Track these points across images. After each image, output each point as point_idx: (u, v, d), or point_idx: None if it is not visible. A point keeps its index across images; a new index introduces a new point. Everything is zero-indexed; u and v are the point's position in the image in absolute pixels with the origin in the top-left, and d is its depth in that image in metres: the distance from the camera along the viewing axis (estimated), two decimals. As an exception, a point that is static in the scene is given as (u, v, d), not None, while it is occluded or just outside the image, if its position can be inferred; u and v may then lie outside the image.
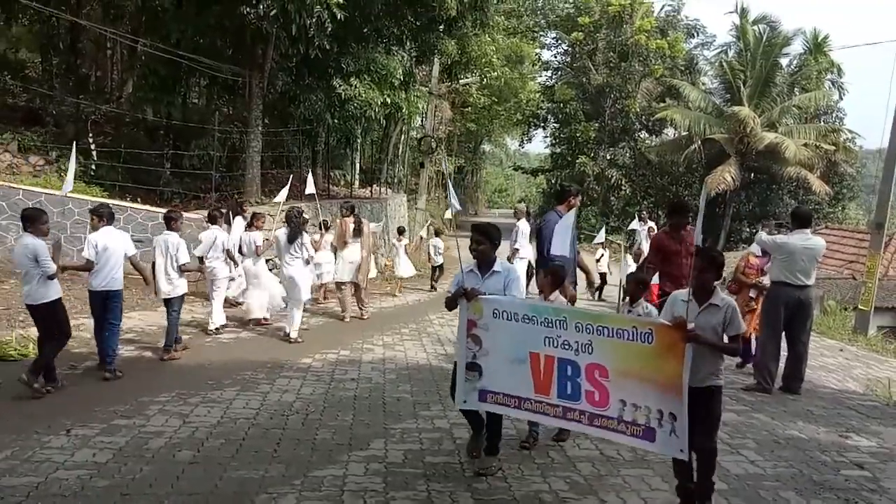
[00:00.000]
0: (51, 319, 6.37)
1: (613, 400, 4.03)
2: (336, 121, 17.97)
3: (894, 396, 7.87)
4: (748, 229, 31.06)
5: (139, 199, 13.84)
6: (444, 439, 5.56)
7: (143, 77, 17.51)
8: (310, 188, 12.20)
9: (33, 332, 7.94)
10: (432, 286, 15.61)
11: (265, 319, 10.17)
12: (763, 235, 7.85)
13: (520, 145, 56.39)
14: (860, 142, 33.19)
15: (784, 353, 7.61)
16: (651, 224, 15.21)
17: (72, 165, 8.98)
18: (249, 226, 10.18)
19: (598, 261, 16.11)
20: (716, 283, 4.17)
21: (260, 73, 16.04)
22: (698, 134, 30.47)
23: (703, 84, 35.93)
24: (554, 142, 41.49)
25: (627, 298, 5.49)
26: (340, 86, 16.61)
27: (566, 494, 4.58)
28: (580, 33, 35.62)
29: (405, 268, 14.94)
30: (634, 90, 35.05)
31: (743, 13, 32.23)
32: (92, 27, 17.73)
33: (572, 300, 6.01)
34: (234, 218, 10.83)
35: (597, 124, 35.84)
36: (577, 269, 7.09)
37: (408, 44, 19.28)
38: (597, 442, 5.44)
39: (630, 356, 3.95)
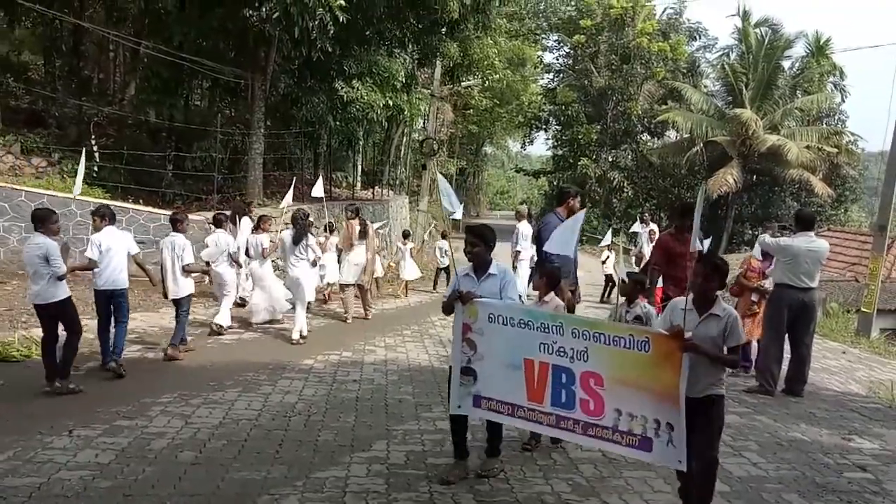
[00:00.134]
0: (61, 318, 6.44)
1: (608, 409, 3.95)
2: (338, 123, 17.98)
3: (897, 399, 7.86)
4: (750, 231, 31.07)
5: (141, 201, 13.85)
6: (446, 441, 5.54)
7: (145, 79, 17.55)
8: (318, 191, 12.23)
9: (36, 332, 7.98)
10: (434, 288, 15.63)
11: (271, 321, 10.23)
12: (766, 238, 7.83)
13: (522, 147, 56.52)
14: (862, 144, 33.28)
15: (787, 355, 7.60)
16: (652, 226, 15.17)
17: (81, 170, 9.02)
18: (256, 228, 10.20)
19: (603, 263, 16.10)
20: (718, 292, 4.02)
21: (262, 76, 16.07)
22: (700, 136, 30.48)
23: (705, 87, 35.97)
24: (556, 144, 41.54)
25: (624, 299, 5.44)
26: (342, 88, 16.63)
27: (568, 496, 4.57)
28: (582, 36, 35.66)
29: (410, 270, 14.96)
30: (636, 93, 35.07)
31: (745, 16, 32.24)
32: (95, 29, 17.77)
33: (569, 305, 5.99)
34: (240, 219, 10.83)
35: (599, 126, 35.87)
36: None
37: (410, 46, 19.30)
38: (599, 444, 5.42)
39: (626, 364, 3.87)
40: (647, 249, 13.59)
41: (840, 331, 13.48)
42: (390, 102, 17.53)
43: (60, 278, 6.33)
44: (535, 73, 42.02)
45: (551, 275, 5.30)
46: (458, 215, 5.40)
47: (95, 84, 20.98)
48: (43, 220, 6.36)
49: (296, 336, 9.16)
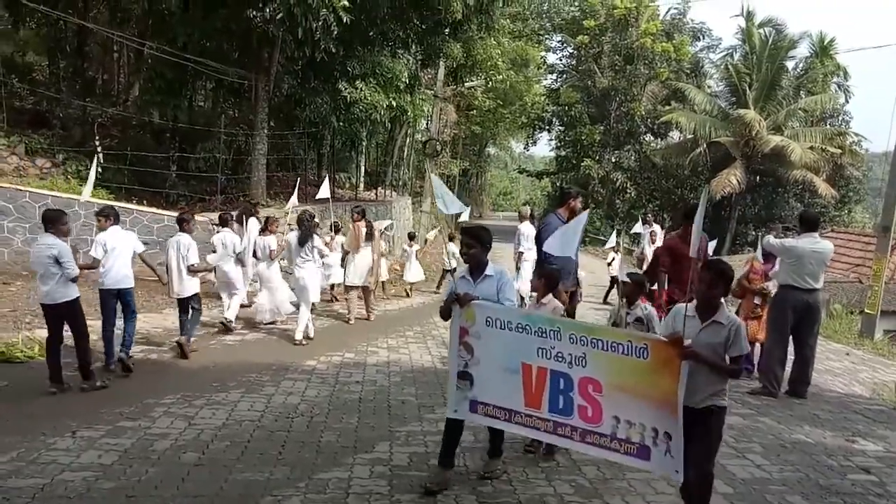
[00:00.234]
0: (70, 318, 6.50)
1: (607, 416, 3.90)
2: (341, 123, 18.00)
3: (901, 401, 7.84)
4: (754, 232, 31.01)
5: (145, 202, 13.89)
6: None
7: (149, 80, 17.60)
8: (324, 192, 12.28)
9: (39, 334, 8.02)
10: (438, 289, 15.65)
11: (276, 321, 10.28)
12: (770, 239, 7.80)
13: (525, 148, 56.53)
14: (866, 145, 33.14)
15: (790, 356, 7.58)
16: (654, 227, 15.15)
17: (92, 175, 9.05)
18: (263, 230, 10.21)
19: (609, 264, 16.08)
20: (722, 299, 3.91)
21: (266, 77, 16.09)
22: (704, 137, 30.42)
23: (709, 87, 35.90)
24: (559, 145, 41.52)
25: (625, 300, 5.36)
26: (346, 89, 16.66)
27: (571, 498, 4.57)
28: (585, 36, 35.63)
29: (414, 272, 14.98)
30: (640, 93, 35.03)
31: (749, 16, 32.18)
32: (99, 30, 17.79)
33: (569, 309, 5.97)
34: (247, 220, 10.87)
35: (602, 127, 35.83)
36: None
37: (413, 47, 19.32)
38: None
39: (624, 371, 3.82)
40: (649, 250, 13.57)
41: (844, 332, 13.44)
42: (393, 103, 17.55)
43: (74, 280, 6.41)
44: (539, 74, 42.02)
45: (550, 276, 5.26)
46: (466, 216, 5.39)
47: (99, 85, 21.03)
48: (54, 220, 6.42)
49: (299, 336, 9.18)
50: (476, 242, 4.66)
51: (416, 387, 7.36)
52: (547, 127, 43.06)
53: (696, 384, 3.68)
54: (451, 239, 15.97)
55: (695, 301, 3.90)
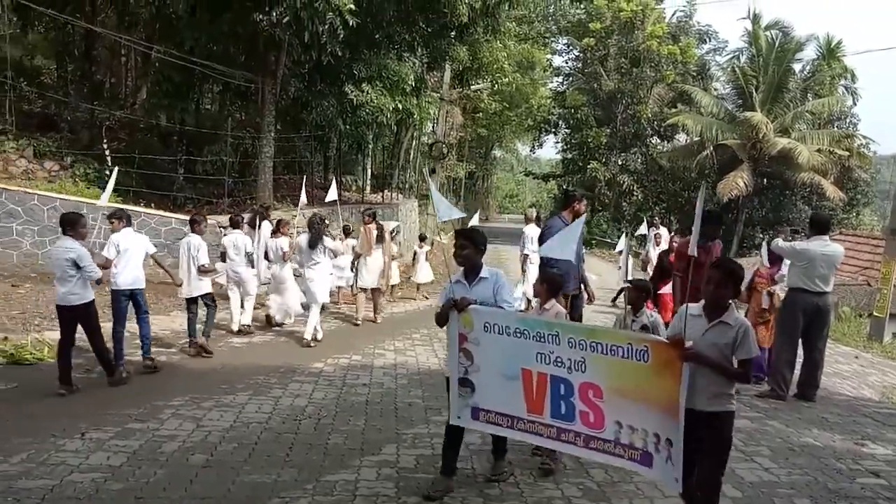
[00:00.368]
0: (85, 319, 6.60)
1: (609, 421, 3.82)
2: (348, 126, 18.04)
3: (910, 404, 7.80)
4: (761, 235, 30.88)
5: (153, 205, 13.94)
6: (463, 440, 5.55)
7: (156, 83, 17.68)
8: (332, 195, 12.38)
9: (49, 336, 8.08)
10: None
11: (283, 323, 10.38)
12: (780, 242, 7.76)
13: (531, 151, 56.64)
14: (874, 147, 33.00)
15: (798, 359, 7.55)
16: (661, 230, 15.10)
17: (111, 183, 9.08)
18: (275, 232, 10.30)
19: (621, 268, 16.00)
20: (731, 300, 3.77)
21: (272, 80, 16.14)
22: (710, 139, 30.33)
23: (715, 90, 35.78)
24: (565, 147, 41.46)
25: (629, 307, 5.16)
26: (352, 92, 16.69)
27: (579, 501, 4.56)
28: (592, 39, 35.60)
29: (424, 274, 14.99)
30: (646, 96, 34.97)
31: (755, 19, 32.08)
32: (107, 34, 17.91)
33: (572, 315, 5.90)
34: (260, 223, 10.95)
35: (608, 130, 35.78)
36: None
37: (419, 50, 19.35)
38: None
39: (625, 375, 3.72)
40: (654, 253, 13.55)
41: (852, 335, 13.40)
42: (400, 106, 17.57)
43: (98, 281, 6.61)
44: (545, 77, 41.99)
45: (552, 281, 5.16)
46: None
47: (107, 88, 21.14)
48: (73, 224, 6.53)
49: (308, 336, 9.25)
50: (469, 243, 4.55)
51: (423, 389, 7.36)
52: (553, 129, 43.02)
53: (699, 387, 3.57)
54: None
55: (702, 301, 3.80)
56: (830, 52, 32.83)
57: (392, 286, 13.52)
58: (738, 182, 28.72)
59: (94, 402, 6.31)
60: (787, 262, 7.94)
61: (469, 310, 4.27)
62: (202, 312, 8.70)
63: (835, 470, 5.30)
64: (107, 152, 15.74)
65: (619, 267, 15.83)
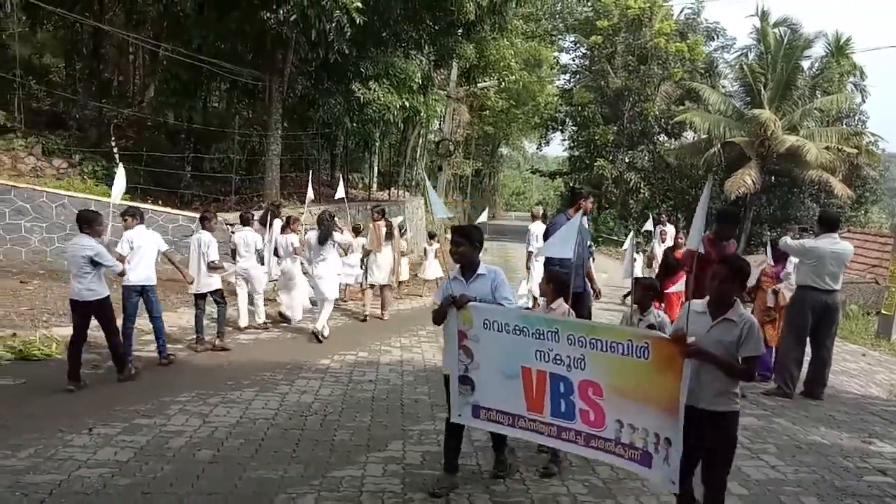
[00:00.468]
0: (101, 315, 6.71)
1: (609, 420, 3.75)
2: (355, 124, 18.06)
3: (919, 402, 7.76)
4: (769, 233, 30.75)
5: (160, 202, 13.99)
6: (463, 439, 5.54)
7: (164, 81, 17.75)
8: (340, 193, 12.51)
9: (56, 332, 8.13)
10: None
11: (290, 319, 10.44)
12: (788, 240, 7.71)
13: (538, 148, 56.39)
14: (883, 145, 32.81)
15: (806, 357, 7.51)
16: (667, 228, 15.03)
17: (121, 180, 9.07)
18: (284, 227, 10.42)
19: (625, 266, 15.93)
20: (736, 297, 3.69)
21: (280, 78, 16.17)
22: (718, 137, 30.24)
23: (723, 87, 35.64)
24: (572, 145, 41.43)
25: (636, 306, 5.05)
26: (359, 89, 16.70)
27: (584, 498, 4.56)
28: (599, 37, 35.52)
29: (432, 270, 15.01)
30: (653, 93, 34.87)
31: (764, 16, 31.94)
32: (115, 32, 17.98)
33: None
34: (272, 221, 11.03)
35: (615, 127, 35.71)
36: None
37: (426, 48, 19.33)
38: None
39: (625, 372, 3.65)
40: (659, 249, 13.50)
41: (860, 333, 13.32)
42: (406, 104, 17.57)
43: (122, 273, 6.87)
44: (552, 74, 41.95)
45: (558, 279, 5.06)
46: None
47: (115, 86, 21.25)
48: (90, 221, 6.64)
49: (319, 327, 9.37)
50: (465, 240, 4.50)
51: (429, 386, 7.37)
52: (560, 127, 42.98)
53: (702, 384, 3.50)
54: None
55: (707, 297, 3.73)
56: (839, 49, 32.66)
57: (400, 282, 13.55)
58: (745, 179, 28.62)
59: (102, 397, 6.34)
60: (792, 260, 7.91)
61: (468, 307, 4.23)
62: (210, 309, 8.75)
63: (842, 468, 5.28)
64: (115, 150, 15.79)
65: (626, 268, 15.77)
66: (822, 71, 32.37)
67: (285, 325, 10.28)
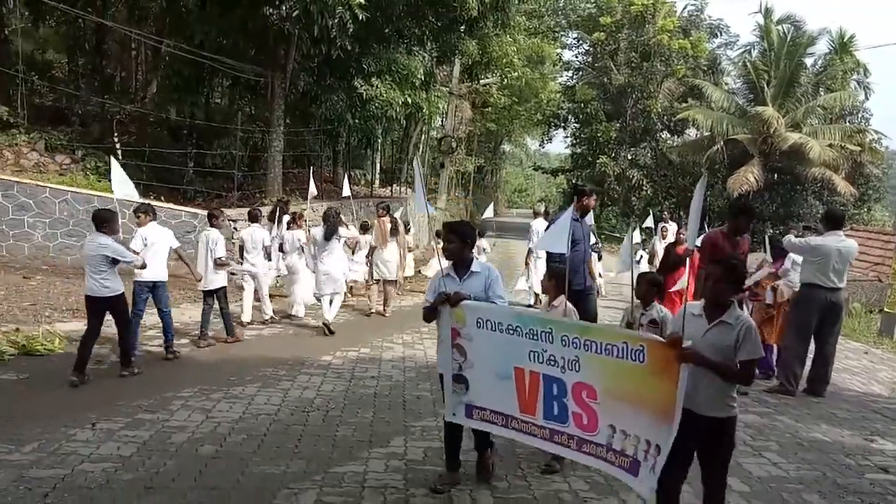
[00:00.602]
0: (116, 310, 6.81)
1: (602, 424, 3.64)
2: (357, 121, 18.04)
3: (921, 400, 7.75)
4: (771, 230, 30.72)
5: (162, 198, 14.00)
6: (463, 437, 5.55)
7: (167, 77, 17.75)
8: (346, 191, 12.60)
9: (59, 327, 8.16)
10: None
11: (291, 316, 10.53)
12: (792, 238, 7.68)
13: (540, 145, 56.31)
14: (886, 142, 32.73)
15: (809, 355, 7.51)
16: (668, 224, 14.98)
17: (119, 174, 9.08)
18: (291, 224, 10.51)
19: (637, 262, 15.92)
20: (732, 298, 3.58)
21: (282, 74, 16.16)
22: (721, 134, 30.17)
23: (726, 84, 35.57)
24: (574, 142, 41.36)
25: (639, 301, 4.99)
26: (361, 86, 16.69)
27: (586, 494, 4.56)
28: (602, 33, 35.46)
29: (436, 268, 15.01)
30: (656, 90, 34.81)
31: (767, 13, 31.86)
32: (117, 28, 17.98)
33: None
34: (281, 216, 11.08)
35: (618, 124, 35.65)
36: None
37: (429, 44, 19.32)
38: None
39: (620, 375, 3.54)
40: (660, 246, 13.48)
41: (862, 331, 13.31)
42: (409, 100, 17.55)
43: (143, 266, 7.02)
44: (554, 71, 41.86)
45: (560, 276, 4.95)
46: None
47: (118, 82, 21.26)
48: (108, 221, 6.76)
49: (330, 317, 9.53)
50: (455, 237, 4.45)
51: (431, 382, 7.36)
52: (562, 124, 42.90)
53: (698, 390, 3.39)
54: (480, 235, 15.94)
55: (703, 299, 3.63)
56: (843, 46, 32.55)
57: (405, 278, 13.58)
58: (748, 177, 28.56)
59: (105, 392, 6.35)
60: (791, 256, 7.87)
61: (461, 305, 4.17)
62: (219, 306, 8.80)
63: (844, 465, 5.28)
64: (117, 145, 15.83)
65: (637, 261, 15.74)
66: (825, 68, 32.28)
67: (288, 320, 10.31)
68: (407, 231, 13.51)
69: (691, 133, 36.11)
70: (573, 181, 38.85)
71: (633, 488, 3.65)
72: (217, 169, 17.68)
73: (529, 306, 12.15)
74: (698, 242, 7.66)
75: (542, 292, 5.95)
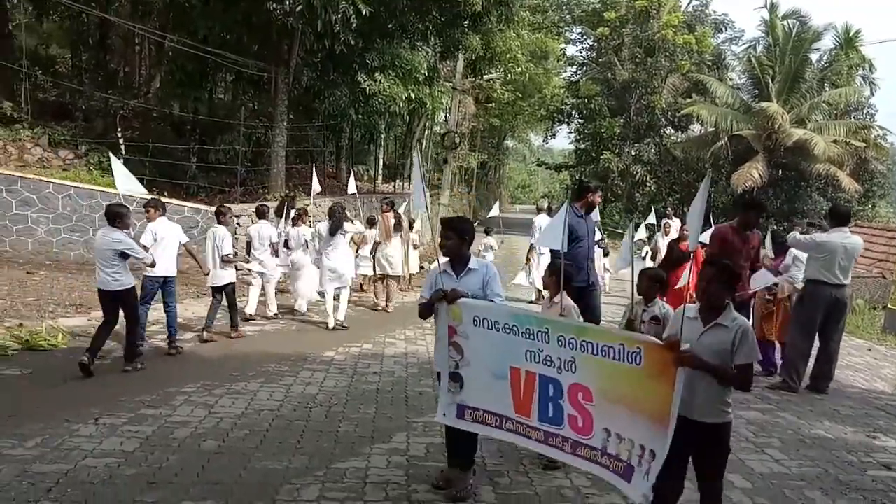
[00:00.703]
0: (126, 304, 6.87)
1: (597, 428, 3.59)
2: (360, 116, 18.05)
3: (924, 397, 7.74)
4: (776, 227, 30.63)
5: (166, 193, 13.99)
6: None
7: (170, 72, 17.76)
8: (352, 188, 12.68)
9: (63, 322, 8.19)
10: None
11: (293, 311, 10.56)
12: (797, 235, 7.65)
13: (543, 141, 56.13)
14: (891, 139, 32.59)
15: (813, 351, 7.49)
16: (671, 221, 14.94)
17: (120, 171, 9.05)
18: (297, 220, 10.53)
19: (643, 258, 15.89)
20: (728, 299, 3.52)
21: (285, 69, 16.16)
22: (725, 130, 30.08)
23: (731, 80, 35.46)
24: (578, 137, 41.26)
25: (641, 297, 4.95)
26: (365, 81, 16.67)
27: (588, 490, 4.57)
28: (606, 28, 35.36)
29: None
30: (660, 86, 34.69)
31: (772, 8, 31.74)
32: (121, 23, 17.98)
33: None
34: (288, 212, 11.10)
35: (622, 120, 35.56)
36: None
37: (432, 39, 19.28)
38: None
39: (616, 378, 3.48)
40: (662, 242, 13.46)
41: (866, 328, 13.29)
42: (412, 95, 17.53)
43: (153, 265, 7.06)
44: (558, 67, 41.80)
45: (560, 272, 4.85)
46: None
47: (121, 77, 21.25)
48: (121, 216, 6.79)
49: (341, 317, 9.69)
50: (453, 234, 4.38)
51: (433, 378, 7.34)
52: (566, 119, 42.79)
53: (694, 394, 3.34)
54: (487, 232, 15.92)
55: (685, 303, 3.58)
56: (848, 41, 32.42)
57: (410, 275, 13.59)
58: (752, 173, 28.46)
59: (108, 388, 6.37)
60: (792, 252, 7.85)
61: (458, 302, 4.12)
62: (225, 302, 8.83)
63: (846, 462, 5.27)
64: (121, 141, 15.83)
65: (643, 257, 15.71)
66: (830, 64, 32.15)
67: (292, 316, 10.33)
68: (412, 227, 13.52)
69: (695, 129, 36.02)
70: (577, 177, 38.78)
71: (625, 494, 3.61)
72: (220, 164, 17.70)
73: (531, 302, 12.17)
74: (703, 239, 7.66)
75: (544, 288, 5.93)
